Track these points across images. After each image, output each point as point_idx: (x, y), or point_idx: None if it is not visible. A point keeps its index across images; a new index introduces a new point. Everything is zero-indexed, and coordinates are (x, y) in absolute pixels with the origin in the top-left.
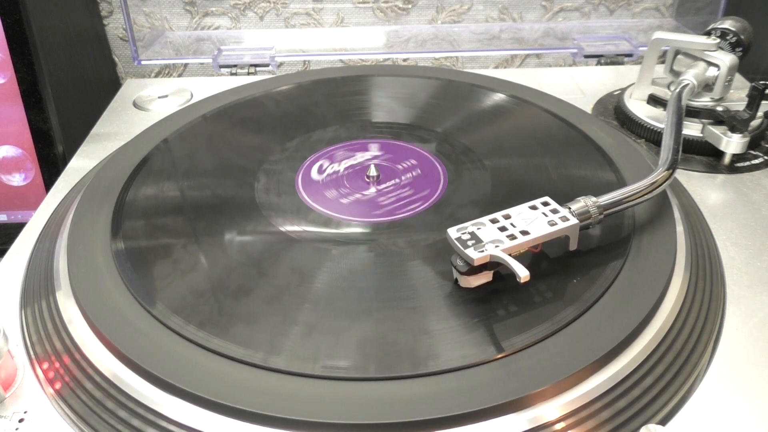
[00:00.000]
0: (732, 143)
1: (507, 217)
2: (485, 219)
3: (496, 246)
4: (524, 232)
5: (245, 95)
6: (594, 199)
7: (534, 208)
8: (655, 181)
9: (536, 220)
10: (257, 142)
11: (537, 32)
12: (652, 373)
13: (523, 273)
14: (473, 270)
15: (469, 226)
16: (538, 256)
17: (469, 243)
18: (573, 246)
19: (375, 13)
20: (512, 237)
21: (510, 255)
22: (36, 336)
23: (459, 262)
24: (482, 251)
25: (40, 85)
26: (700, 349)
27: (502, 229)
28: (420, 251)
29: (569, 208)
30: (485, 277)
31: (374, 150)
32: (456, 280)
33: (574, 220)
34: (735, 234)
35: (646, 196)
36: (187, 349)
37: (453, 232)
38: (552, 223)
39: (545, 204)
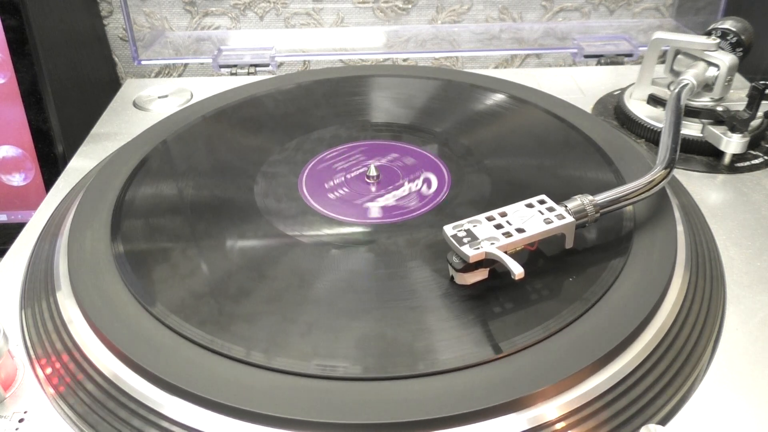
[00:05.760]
0: (732, 143)
1: (503, 214)
2: (481, 216)
3: (492, 243)
4: (520, 230)
5: (245, 95)
6: (591, 197)
7: (530, 206)
8: (653, 180)
9: (532, 218)
10: (257, 142)
11: (537, 32)
12: (652, 373)
13: (517, 270)
14: (469, 267)
15: (465, 223)
16: (535, 254)
17: (465, 240)
18: (569, 244)
19: (375, 13)
20: (508, 234)
21: (506, 252)
22: (36, 336)
23: (455, 259)
24: (478, 248)
25: (40, 85)
26: (700, 349)
27: (498, 226)
28: (420, 251)
29: (565, 206)
30: (481, 275)
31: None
32: (452, 278)
33: (569, 218)
34: (735, 234)
35: (643, 195)
36: (188, 349)
37: (449, 229)
38: (548, 221)
39: (542, 202)
